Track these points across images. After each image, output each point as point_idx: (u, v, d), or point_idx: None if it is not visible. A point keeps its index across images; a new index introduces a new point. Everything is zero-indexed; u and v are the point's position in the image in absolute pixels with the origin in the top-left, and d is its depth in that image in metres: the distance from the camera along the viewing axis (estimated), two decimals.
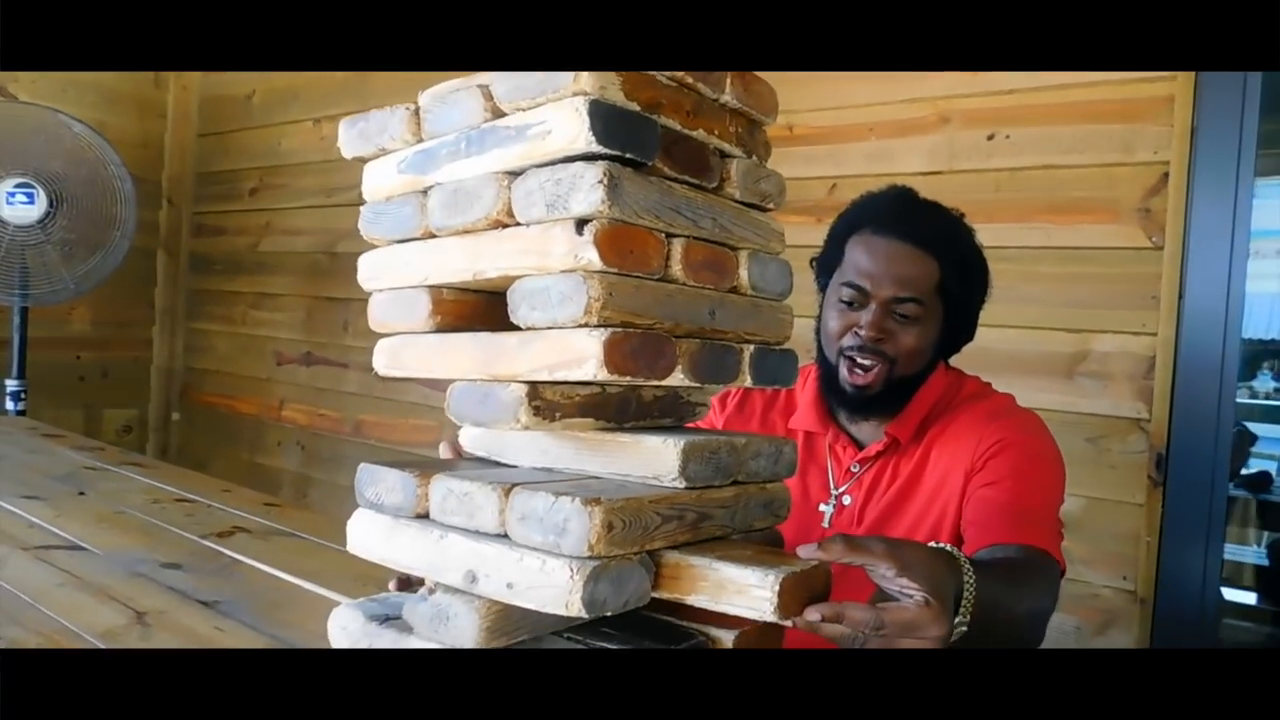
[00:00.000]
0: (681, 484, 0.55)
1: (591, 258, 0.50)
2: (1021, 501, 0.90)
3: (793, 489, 0.99)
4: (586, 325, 0.50)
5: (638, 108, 0.52)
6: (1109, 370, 1.54)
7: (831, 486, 1.05)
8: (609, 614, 0.50)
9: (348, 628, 0.58)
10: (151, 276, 3.23)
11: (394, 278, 0.62)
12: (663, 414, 0.64)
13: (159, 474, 1.46)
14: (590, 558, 0.48)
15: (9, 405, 2.41)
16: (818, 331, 1.06)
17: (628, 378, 0.51)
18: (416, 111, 0.60)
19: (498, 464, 0.64)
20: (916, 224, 1.02)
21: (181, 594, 0.87)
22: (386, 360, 0.62)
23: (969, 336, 1.09)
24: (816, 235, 1.79)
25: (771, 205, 0.64)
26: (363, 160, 0.64)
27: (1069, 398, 1.56)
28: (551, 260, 0.52)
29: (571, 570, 0.48)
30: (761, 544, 0.63)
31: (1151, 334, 1.51)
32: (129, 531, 1.10)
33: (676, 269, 0.55)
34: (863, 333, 0.98)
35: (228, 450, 3.04)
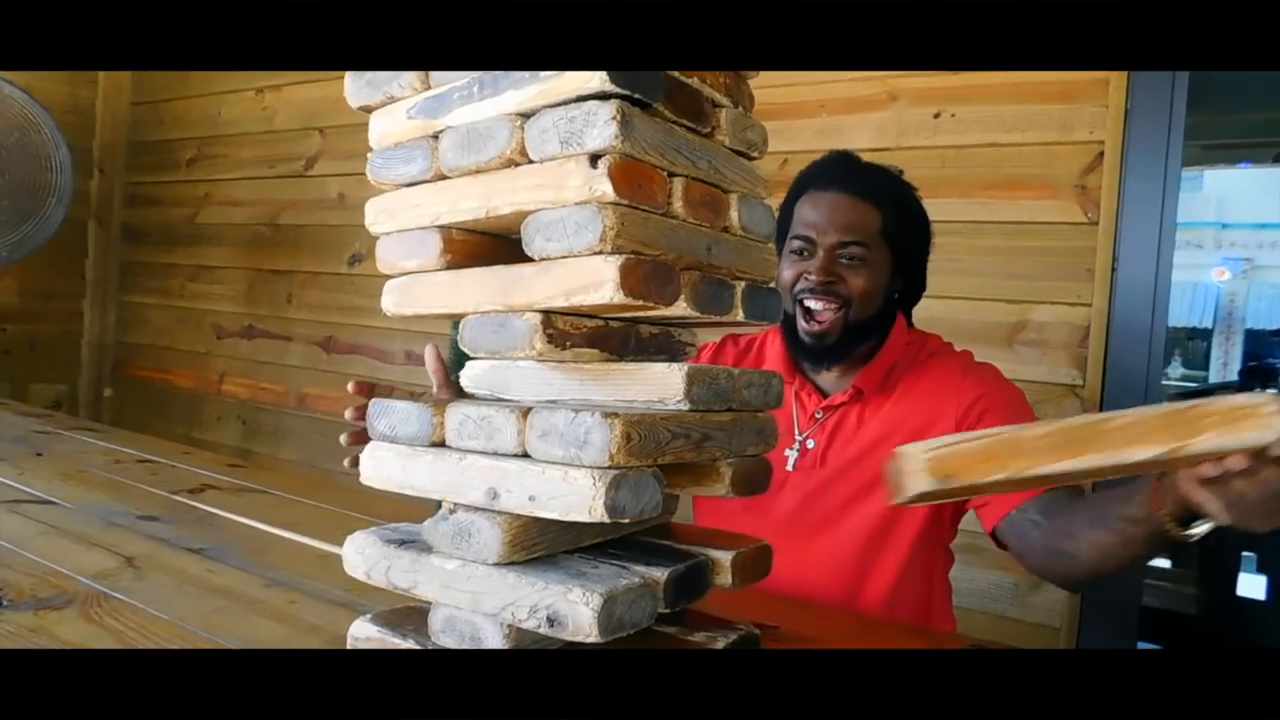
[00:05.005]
0: (686, 405, 0.58)
1: (606, 189, 0.53)
2: None
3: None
4: (602, 252, 0.53)
5: None
6: (1046, 339, 1.64)
7: (796, 432, 1.10)
8: (627, 520, 0.53)
9: (365, 551, 0.60)
10: (82, 247, 3.12)
11: (403, 219, 0.64)
12: (657, 351, 0.68)
13: (114, 438, 1.43)
14: (611, 467, 0.52)
15: None
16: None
17: (640, 301, 0.54)
18: None
19: (499, 399, 0.67)
20: (857, 177, 1.10)
21: (165, 541, 0.87)
22: (397, 298, 0.64)
23: (920, 286, 1.16)
24: (771, 207, 1.83)
25: (756, 154, 0.68)
26: (369, 109, 0.66)
27: (1009, 365, 1.63)
28: (567, 193, 0.54)
29: (594, 479, 0.51)
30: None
31: (1086, 305, 1.60)
32: (96, 487, 1.09)
33: (678, 205, 0.59)
34: (812, 277, 1.04)
35: (163, 425, 2.96)
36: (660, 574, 0.58)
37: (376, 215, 0.65)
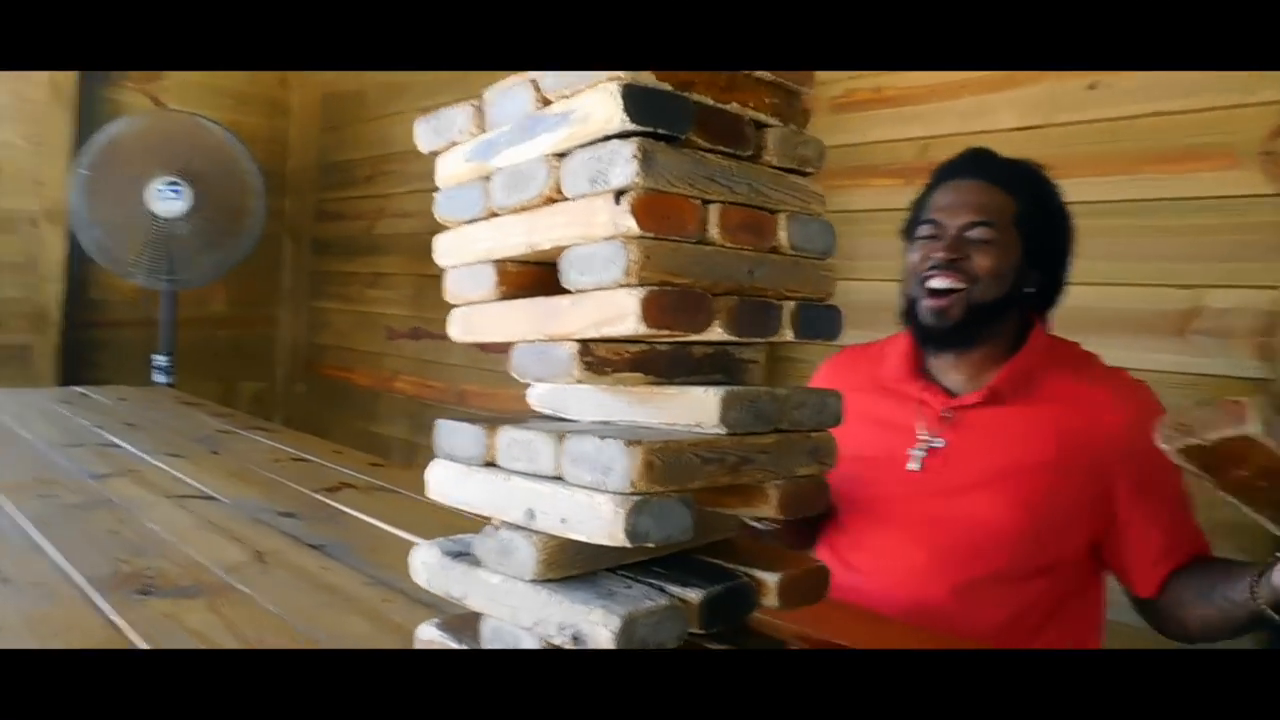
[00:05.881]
0: (722, 430, 0.59)
1: (629, 225, 0.55)
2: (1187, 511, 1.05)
3: (874, 438, 1.08)
4: (627, 286, 0.55)
5: (669, 87, 0.56)
6: (1227, 327, 1.47)
7: (920, 431, 1.09)
8: (652, 544, 0.55)
9: (428, 562, 0.66)
10: (278, 260, 3.49)
11: (464, 254, 0.68)
12: (714, 369, 0.68)
13: (280, 437, 1.61)
14: (633, 493, 0.54)
15: (159, 377, 2.67)
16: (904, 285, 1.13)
17: (666, 331, 0.56)
18: (479, 107, 0.66)
19: (560, 418, 0.70)
20: (991, 167, 1.08)
21: (294, 538, 0.98)
22: (461, 327, 0.69)
23: (1058, 286, 1.11)
24: (908, 198, 1.78)
25: (811, 169, 0.67)
26: (436, 153, 0.71)
27: (1181, 357, 1.50)
28: (595, 229, 0.57)
29: (615, 505, 0.53)
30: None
31: (1275, 288, 1.43)
32: (253, 484, 1.23)
33: (714, 232, 0.59)
34: (939, 254, 1.04)
35: (345, 419, 3.26)
36: (695, 595, 0.59)
37: (443, 250, 0.70)
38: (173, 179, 2.59)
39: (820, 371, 1.27)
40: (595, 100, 0.55)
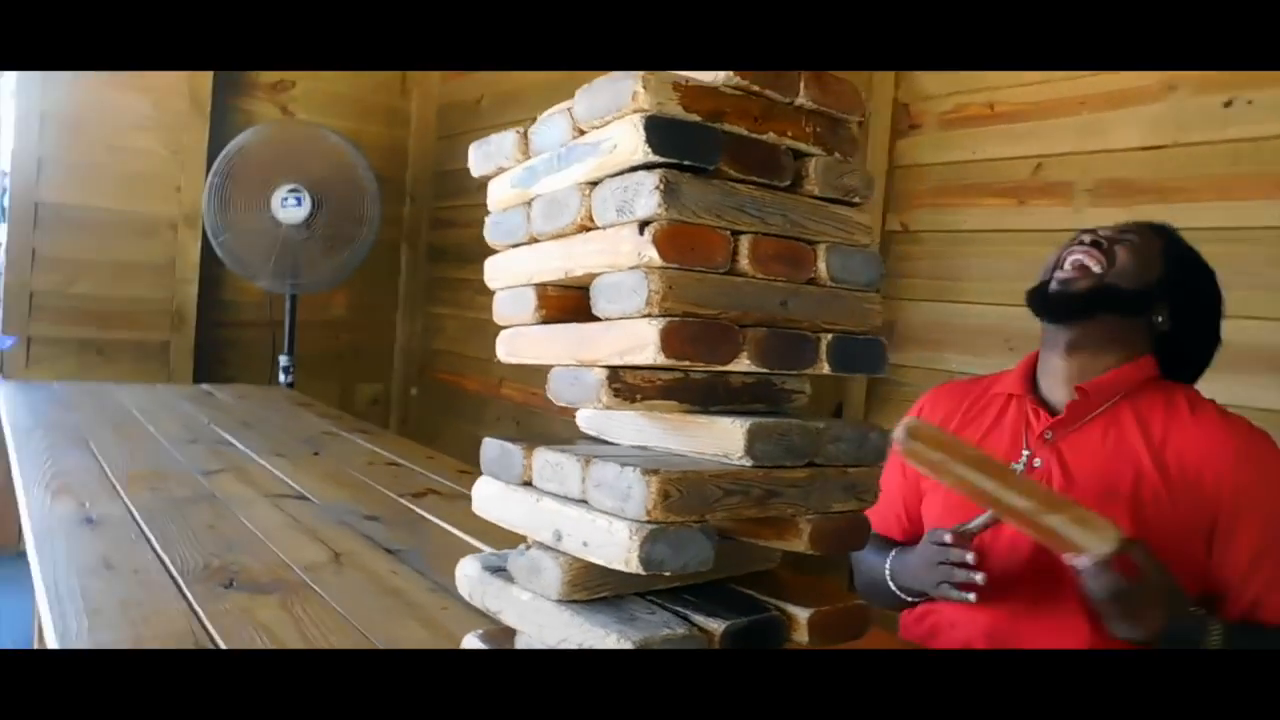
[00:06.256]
0: (748, 462, 0.59)
1: (652, 255, 0.56)
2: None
3: (980, 448, 1.07)
4: (649, 315, 0.56)
5: (698, 118, 0.57)
6: None
7: (1024, 447, 1.09)
8: (668, 573, 0.55)
9: (469, 575, 0.69)
10: (395, 266, 3.65)
11: (510, 278, 0.71)
12: (754, 399, 0.68)
13: (378, 440, 1.69)
14: (649, 521, 0.54)
15: (281, 378, 2.86)
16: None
17: (686, 361, 0.56)
18: (525, 133, 0.68)
19: (603, 441, 0.72)
20: (1148, 224, 1.11)
21: (373, 541, 1.03)
22: (506, 349, 0.72)
23: (1191, 357, 1.10)
24: (1020, 218, 1.71)
25: (857, 199, 0.66)
26: (486, 179, 0.74)
27: None
28: (621, 258, 0.58)
29: (631, 531, 0.54)
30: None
31: None
32: (345, 487, 1.30)
33: (744, 263, 0.59)
34: (1085, 237, 1.07)
35: (455, 423, 3.38)
36: (717, 626, 0.59)
37: (491, 273, 0.73)
38: (295, 187, 2.77)
39: (920, 401, 1.25)
40: (622, 131, 0.57)
